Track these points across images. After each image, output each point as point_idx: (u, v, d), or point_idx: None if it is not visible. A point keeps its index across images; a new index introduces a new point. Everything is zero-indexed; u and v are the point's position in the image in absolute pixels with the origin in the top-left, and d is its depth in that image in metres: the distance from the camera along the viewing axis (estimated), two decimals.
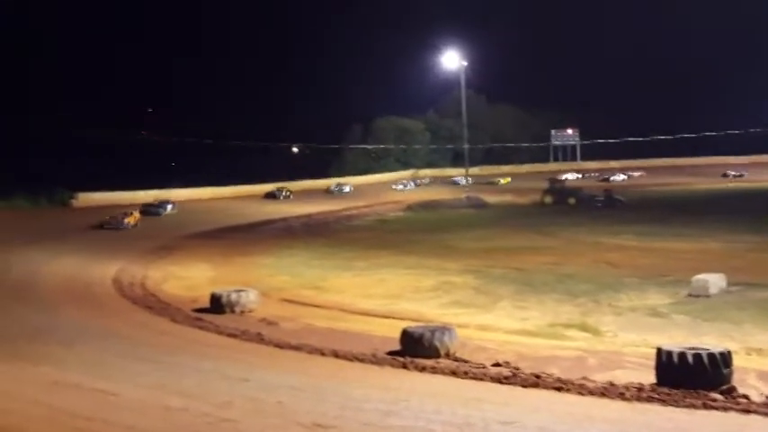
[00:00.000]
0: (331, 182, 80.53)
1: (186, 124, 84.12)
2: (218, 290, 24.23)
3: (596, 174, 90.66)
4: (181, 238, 43.91)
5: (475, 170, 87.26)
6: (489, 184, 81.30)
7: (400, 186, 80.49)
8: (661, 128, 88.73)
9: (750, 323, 19.32)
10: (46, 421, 11.93)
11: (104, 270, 32.51)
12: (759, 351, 16.41)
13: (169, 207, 56.10)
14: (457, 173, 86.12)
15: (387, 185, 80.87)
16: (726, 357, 12.93)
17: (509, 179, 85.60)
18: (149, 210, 53.96)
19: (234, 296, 23.42)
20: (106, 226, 46.69)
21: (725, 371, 12.80)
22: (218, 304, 23.22)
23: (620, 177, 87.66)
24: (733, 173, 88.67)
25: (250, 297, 23.70)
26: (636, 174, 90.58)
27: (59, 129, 73.78)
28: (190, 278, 30.84)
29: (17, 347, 18.04)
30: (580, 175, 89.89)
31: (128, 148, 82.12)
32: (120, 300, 26.18)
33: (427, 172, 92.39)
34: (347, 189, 77.01)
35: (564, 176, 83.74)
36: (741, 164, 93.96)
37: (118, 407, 13.07)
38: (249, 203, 62.78)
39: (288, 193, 69.67)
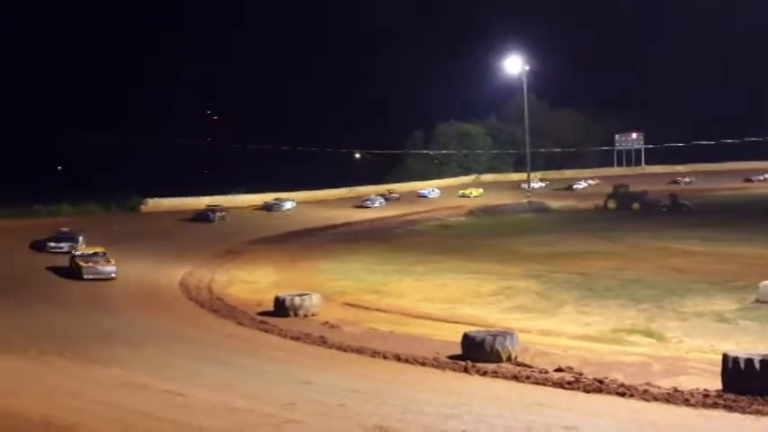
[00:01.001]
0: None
1: (249, 131, 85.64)
2: (282, 294, 24.66)
3: (595, 181, 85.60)
4: (245, 243, 44.63)
5: (537, 175, 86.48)
6: (461, 197, 75.49)
7: (368, 203, 67.42)
8: (729, 132, 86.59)
9: None
10: (115, 421, 12.29)
11: (172, 273, 33.29)
12: None
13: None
14: (519, 178, 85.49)
15: (453, 191, 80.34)
16: None
17: (481, 191, 79.27)
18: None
19: (297, 300, 23.80)
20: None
21: None
22: (282, 308, 23.64)
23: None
24: None
25: (313, 301, 24.04)
26: (686, 179, 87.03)
27: (130, 138, 75.85)
28: (255, 282, 31.37)
29: (87, 349, 18.65)
30: (543, 184, 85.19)
31: (194, 155, 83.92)
32: (186, 303, 26.82)
33: (489, 177, 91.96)
34: (288, 206, 63.71)
35: (531, 185, 78.68)
36: None
37: (185, 407, 13.41)
38: (312, 209, 63.46)
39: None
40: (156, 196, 60.49)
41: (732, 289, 24.83)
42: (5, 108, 75.72)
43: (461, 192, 78.12)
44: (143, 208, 58.48)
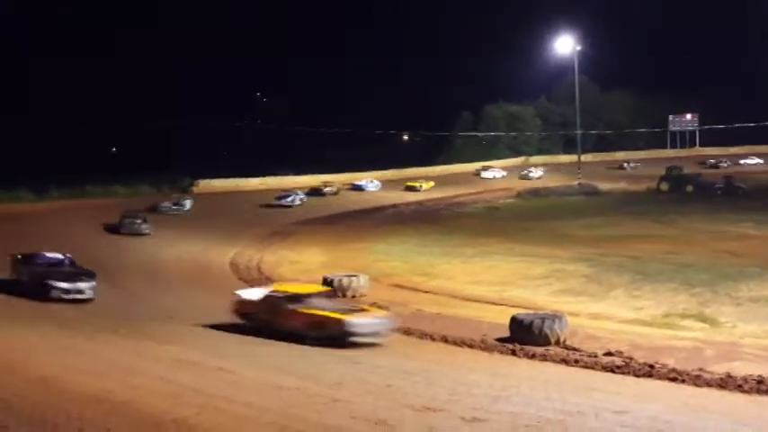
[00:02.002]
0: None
1: (301, 112, 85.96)
2: (329, 274, 24.84)
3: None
4: (293, 224, 44.97)
5: (588, 157, 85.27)
6: (410, 190, 64.41)
7: (288, 200, 54.36)
8: None
9: None
10: (170, 397, 12.58)
11: (222, 254, 33.77)
12: None
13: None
14: (569, 160, 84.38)
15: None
16: None
17: (432, 183, 67.52)
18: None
19: (345, 281, 23.97)
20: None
21: None
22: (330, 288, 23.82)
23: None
24: None
25: (361, 282, 24.19)
26: (724, 163, 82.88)
27: (181, 119, 76.72)
28: (303, 262, 31.65)
29: (144, 326, 19.06)
30: (541, 172, 78.35)
31: (244, 137, 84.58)
32: (236, 283, 27.17)
33: (538, 159, 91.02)
34: (187, 206, 49.00)
35: (530, 171, 75.76)
36: None
37: (236, 385, 13.66)
38: (359, 191, 63.52)
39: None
40: (207, 177, 61.43)
41: None
42: (61, 92, 77.33)
43: (408, 184, 66.15)
44: (194, 189, 59.28)
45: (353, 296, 23.48)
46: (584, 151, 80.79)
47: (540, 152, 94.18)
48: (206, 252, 34.44)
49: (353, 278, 24.18)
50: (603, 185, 63.47)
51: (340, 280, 23.92)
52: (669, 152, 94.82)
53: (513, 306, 20.62)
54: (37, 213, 42.43)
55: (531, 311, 18.78)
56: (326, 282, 23.92)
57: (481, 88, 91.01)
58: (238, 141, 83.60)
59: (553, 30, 73.20)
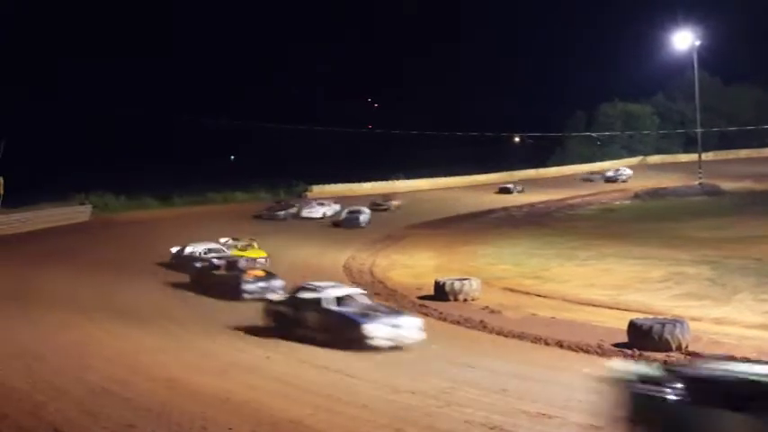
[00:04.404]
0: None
1: (412, 117, 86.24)
2: (441, 278, 24.85)
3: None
4: (404, 228, 45.17)
5: (709, 155, 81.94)
6: (377, 208, 51.17)
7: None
8: None
9: None
10: (286, 398, 12.96)
11: (335, 258, 34.31)
12: None
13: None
14: (688, 159, 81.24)
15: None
16: None
17: (400, 202, 54.50)
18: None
19: (457, 284, 23.92)
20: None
21: None
22: (441, 292, 23.86)
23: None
24: None
25: (473, 285, 24.08)
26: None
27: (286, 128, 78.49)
28: (415, 266, 31.75)
29: (261, 330, 19.60)
30: (630, 172, 72.63)
31: (356, 143, 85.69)
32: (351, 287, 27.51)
33: (656, 158, 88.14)
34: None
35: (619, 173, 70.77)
36: None
37: (353, 387, 13.92)
38: (469, 193, 63.22)
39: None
40: (321, 183, 62.91)
41: None
42: (175, 101, 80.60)
43: (377, 203, 52.61)
44: (308, 194, 60.63)
45: (465, 300, 23.43)
46: (705, 149, 77.61)
47: (658, 151, 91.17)
48: (318, 257, 35.03)
49: (465, 282, 24.11)
50: (726, 185, 60.77)
51: (452, 283, 23.90)
52: None
53: (631, 310, 20.02)
54: (164, 219, 44.57)
55: (651, 316, 18.23)
56: (439, 285, 23.98)
57: (596, 87, 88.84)
58: (350, 147, 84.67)
59: (671, 22, 70.55)
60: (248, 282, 24.56)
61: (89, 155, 69.06)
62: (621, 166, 77.95)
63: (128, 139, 76.00)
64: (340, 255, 34.96)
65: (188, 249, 30.56)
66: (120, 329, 19.42)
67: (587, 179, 71.76)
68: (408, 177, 68.09)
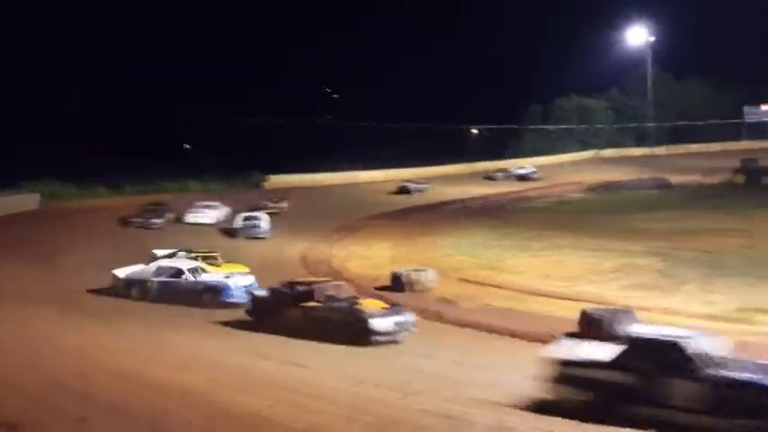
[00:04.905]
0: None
1: (368, 107, 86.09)
2: (398, 269, 25.07)
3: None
4: (361, 219, 45.28)
5: (661, 149, 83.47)
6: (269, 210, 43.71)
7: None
8: None
9: None
10: (244, 392, 13.07)
11: (293, 249, 34.31)
12: None
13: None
14: (641, 153, 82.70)
15: (570, 167, 78.48)
16: None
17: (286, 205, 48.58)
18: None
19: (413, 275, 24.19)
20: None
21: None
22: (398, 282, 24.11)
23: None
24: None
25: (429, 276, 24.36)
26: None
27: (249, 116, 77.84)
28: (372, 257, 31.92)
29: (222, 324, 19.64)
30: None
31: (311, 132, 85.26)
32: (308, 277, 27.57)
33: (610, 152, 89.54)
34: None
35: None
36: None
37: (305, 379, 14.06)
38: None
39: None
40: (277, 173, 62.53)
41: None
42: (135, 89, 79.34)
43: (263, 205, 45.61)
44: (265, 184, 60.26)
45: (421, 290, 23.69)
46: (657, 143, 79.22)
47: (611, 145, 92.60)
48: (276, 247, 34.99)
49: (422, 272, 24.38)
50: (676, 178, 62.03)
51: (408, 274, 24.14)
52: (743, 144, 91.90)
53: (583, 301, 20.45)
54: (116, 209, 43.94)
55: (602, 306, 18.67)
56: (395, 276, 24.21)
57: (552, 82, 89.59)
58: (306, 137, 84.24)
59: (626, 19, 71.57)
60: (375, 316, 17.72)
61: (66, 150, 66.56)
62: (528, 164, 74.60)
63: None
64: (295, 246, 34.94)
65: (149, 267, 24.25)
66: (75, 322, 19.25)
67: (489, 177, 69.42)
68: (363, 168, 68.23)
